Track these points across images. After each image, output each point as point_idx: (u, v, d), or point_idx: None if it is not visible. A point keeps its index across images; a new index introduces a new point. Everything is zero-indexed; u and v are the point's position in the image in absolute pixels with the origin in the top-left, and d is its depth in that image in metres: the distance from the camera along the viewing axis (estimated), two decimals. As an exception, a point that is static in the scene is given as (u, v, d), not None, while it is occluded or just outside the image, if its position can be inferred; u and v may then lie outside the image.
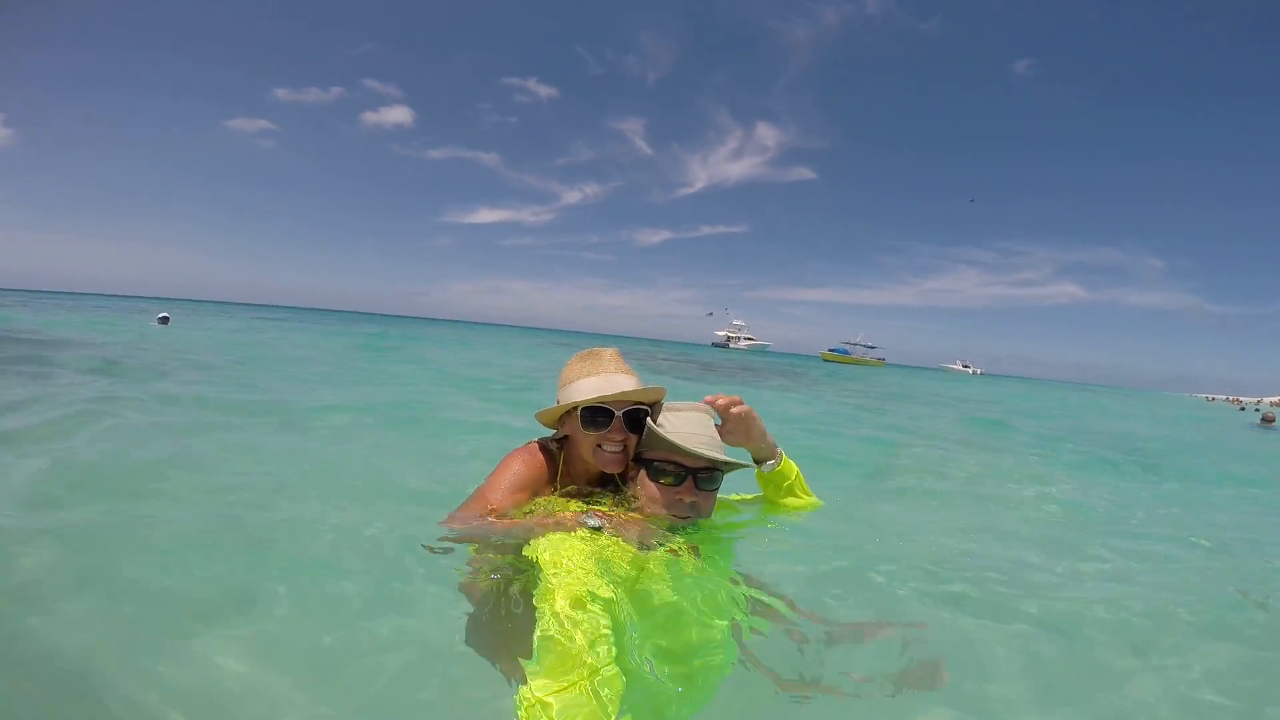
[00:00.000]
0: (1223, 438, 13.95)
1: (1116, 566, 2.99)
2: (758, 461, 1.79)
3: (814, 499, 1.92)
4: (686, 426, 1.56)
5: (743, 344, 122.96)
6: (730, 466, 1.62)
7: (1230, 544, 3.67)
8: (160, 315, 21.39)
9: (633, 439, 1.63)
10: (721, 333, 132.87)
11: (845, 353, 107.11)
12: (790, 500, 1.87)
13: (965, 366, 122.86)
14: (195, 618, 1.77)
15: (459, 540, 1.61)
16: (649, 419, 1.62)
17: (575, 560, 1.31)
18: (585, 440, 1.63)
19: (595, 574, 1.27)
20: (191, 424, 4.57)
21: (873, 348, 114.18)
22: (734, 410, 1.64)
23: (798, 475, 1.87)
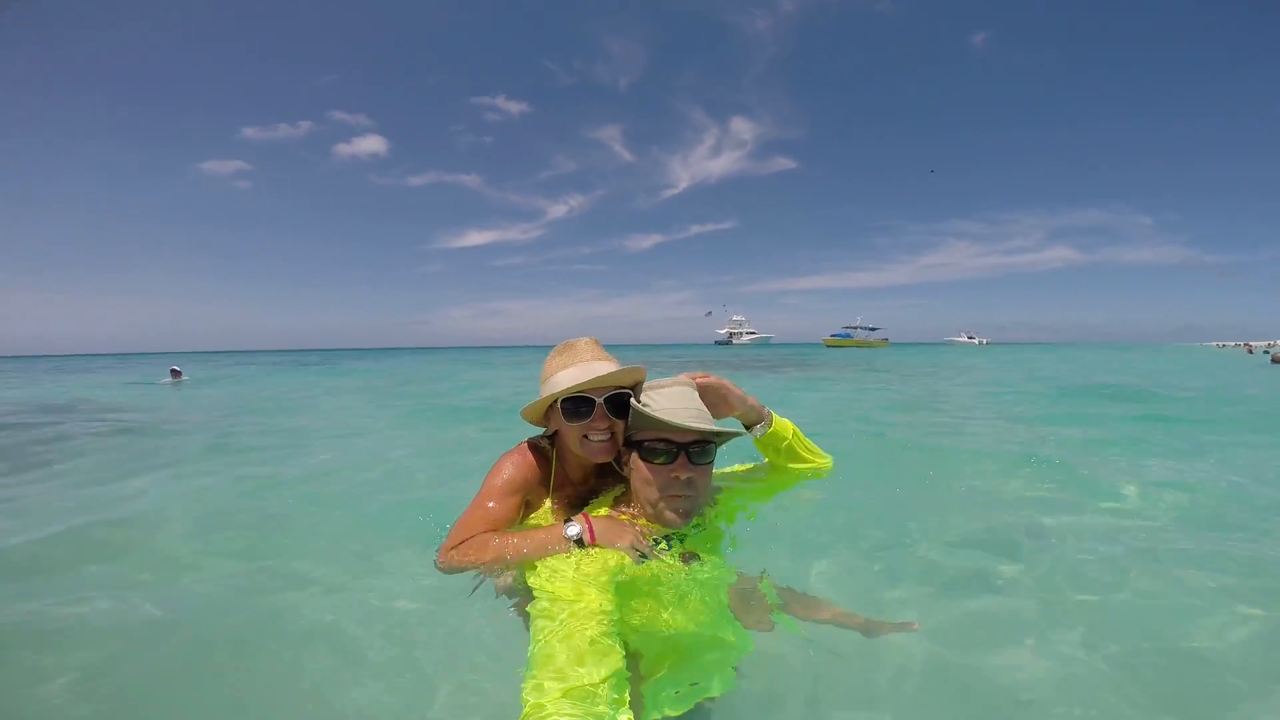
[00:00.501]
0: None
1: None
2: (748, 427, 1.77)
3: (822, 459, 1.88)
4: (670, 402, 1.54)
5: (745, 339, 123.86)
6: (722, 437, 1.57)
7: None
8: (172, 369, 20.77)
9: (619, 424, 1.60)
10: (723, 330, 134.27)
11: (848, 336, 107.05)
12: (796, 465, 1.84)
13: (971, 338, 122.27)
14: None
15: (455, 572, 1.54)
16: (632, 400, 1.58)
17: (569, 593, 1.26)
18: (571, 432, 1.60)
19: (595, 611, 1.21)
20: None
21: (875, 329, 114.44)
22: (701, 381, 1.64)
23: (795, 434, 1.84)
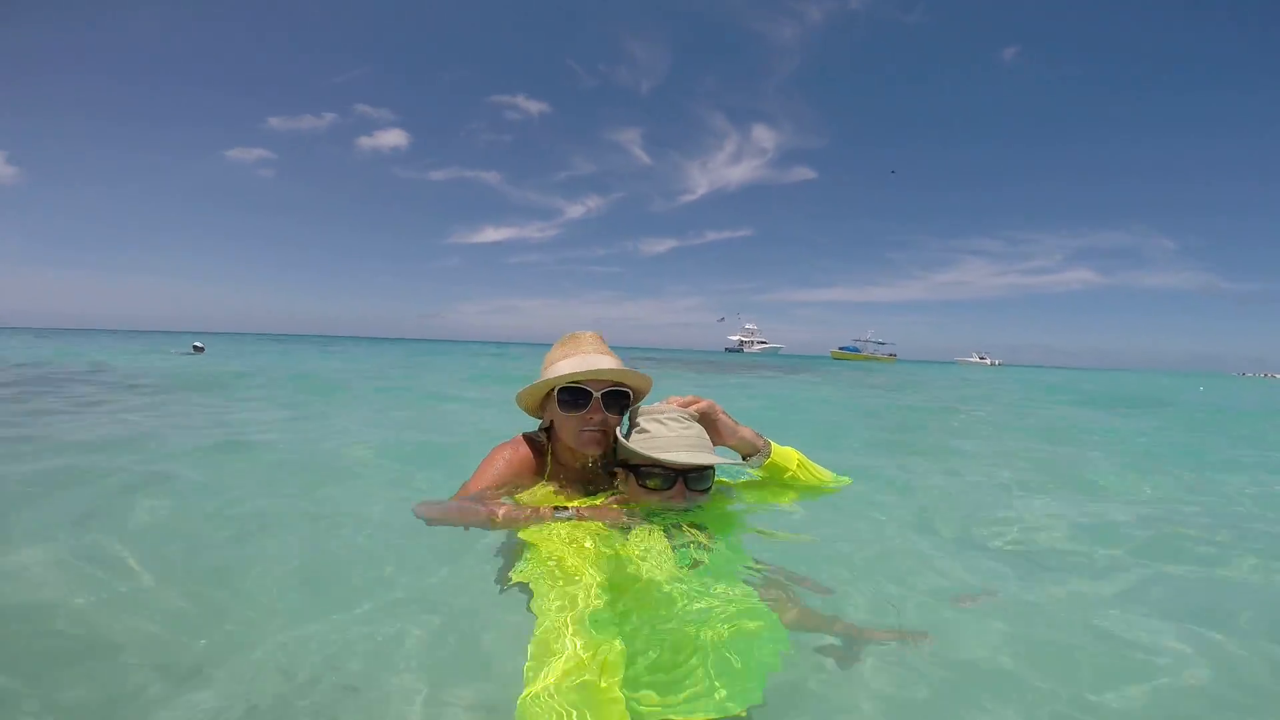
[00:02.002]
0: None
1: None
2: (744, 458, 1.72)
3: (837, 478, 1.83)
4: (668, 430, 1.53)
5: (756, 348, 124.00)
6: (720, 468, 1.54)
7: None
8: (195, 344, 23.17)
9: (613, 419, 1.62)
10: (735, 337, 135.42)
11: (856, 350, 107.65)
12: (812, 482, 1.79)
13: (982, 358, 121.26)
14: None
15: (433, 523, 1.55)
16: (622, 440, 1.57)
17: (570, 563, 1.28)
18: (566, 423, 1.62)
19: (594, 581, 1.22)
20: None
21: (883, 344, 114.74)
22: (692, 409, 1.61)
23: (801, 464, 1.76)
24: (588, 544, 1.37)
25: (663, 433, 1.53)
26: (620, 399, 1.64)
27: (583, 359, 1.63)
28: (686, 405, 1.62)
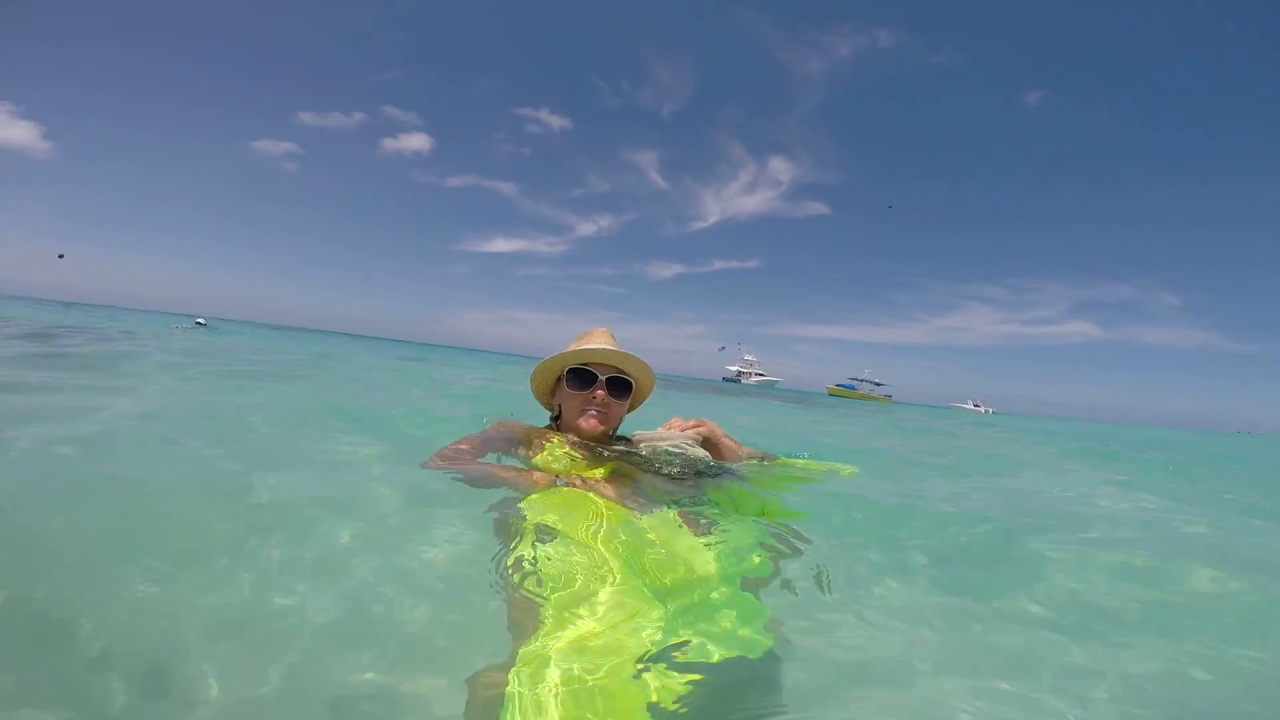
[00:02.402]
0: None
1: None
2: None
3: (843, 466, 1.86)
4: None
5: (753, 380, 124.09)
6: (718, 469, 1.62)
7: None
8: (198, 320, 29.47)
9: (614, 404, 1.72)
10: (733, 368, 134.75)
11: (852, 388, 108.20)
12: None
13: (976, 406, 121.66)
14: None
15: (442, 469, 1.58)
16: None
17: (580, 525, 1.24)
18: (571, 402, 1.73)
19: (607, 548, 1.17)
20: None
21: (880, 384, 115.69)
22: (693, 432, 1.66)
23: (805, 464, 1.81)
24: (603, 511, 1.33)
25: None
26: (623, 386, 1.75)
27: (593, 345, 1.76)
28: (689, 428, 1.69)
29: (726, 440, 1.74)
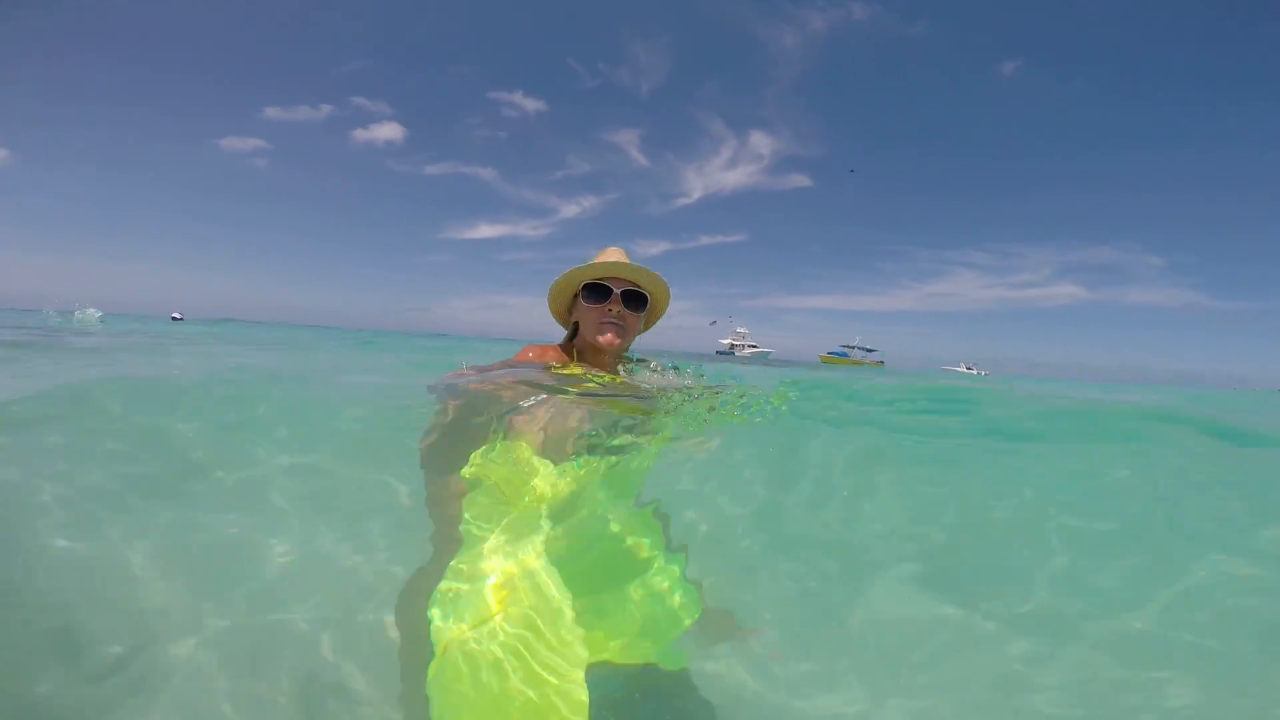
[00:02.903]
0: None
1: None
2: None
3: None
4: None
5: (746, 351, 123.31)
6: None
7: None
8: (173, 315, 27.48)
9: (630, 315, 1.76)
10: (726, 341, 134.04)
11: (844, 355, 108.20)
12: None
13: (970, 369, 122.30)
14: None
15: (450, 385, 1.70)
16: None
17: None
18: (588, 315, 1.77)
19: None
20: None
21: (871, 350, 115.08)
22: None
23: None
24: (539, 471, 1.38)
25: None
26: (638, 299, 1.79)
27: (608, 261, 1.79)
28: None
29: None
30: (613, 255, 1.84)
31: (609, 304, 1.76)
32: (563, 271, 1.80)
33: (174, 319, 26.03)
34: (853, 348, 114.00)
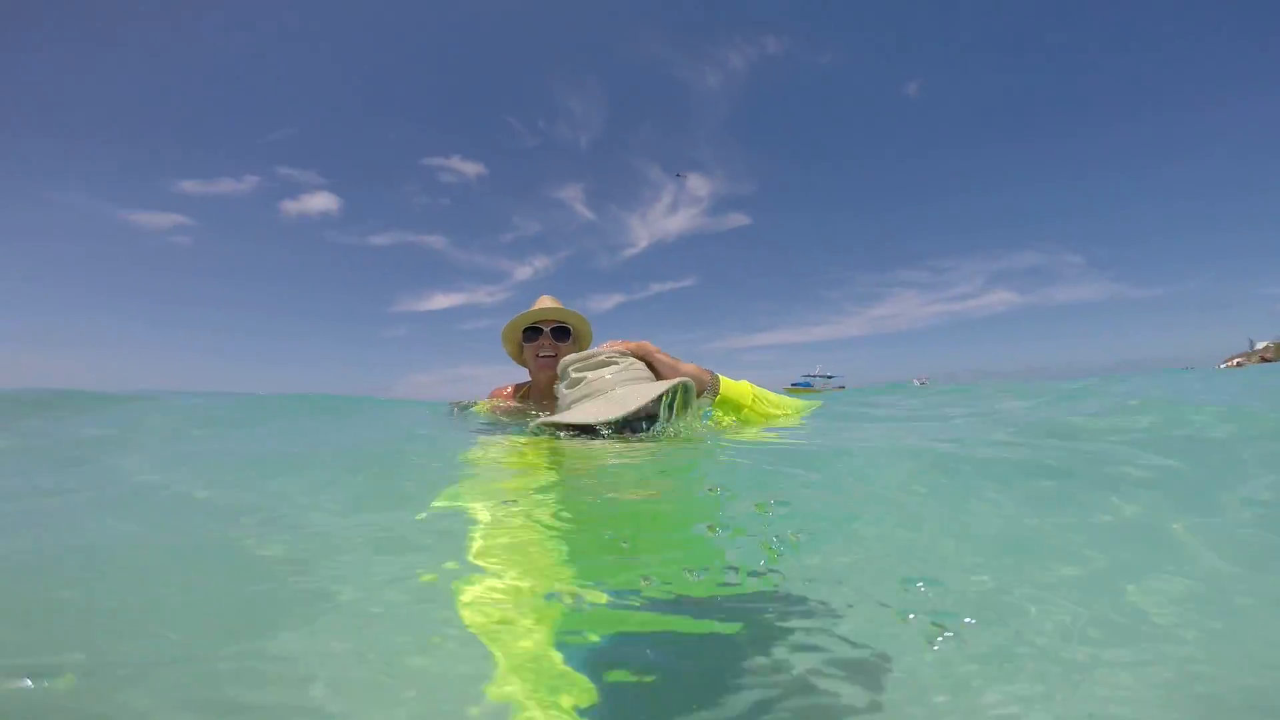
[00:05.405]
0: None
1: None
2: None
3: (801, 402, 1.87)
4: (594, 388, 1.57)
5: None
6: (670, 402, 1.53)
7: None
8: None
9: (561, 347, 2.54)
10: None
11: (807, 384, 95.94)
12: (770, 415, 1.75)
13: (922, 382, 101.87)
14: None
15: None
16: (564, 365, 1.79)
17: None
18: (528, 351, 2.58)
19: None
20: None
21: (831, 377, 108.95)
22: (625, 348, 1.69)
23: (757, 397, 1.73)
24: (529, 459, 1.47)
25: (599, 377, 1.58)
26: (563, 333, 2.56)
27: (537, 308, 2.54)
28: (623, 347, 1.68)
29: (661, 355, 1.70)
30: (544, 302, 2.59)
31: (541, 340, 2.53)
32: (509, 319, 2.53)
33: None
34: (814, 376, 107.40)
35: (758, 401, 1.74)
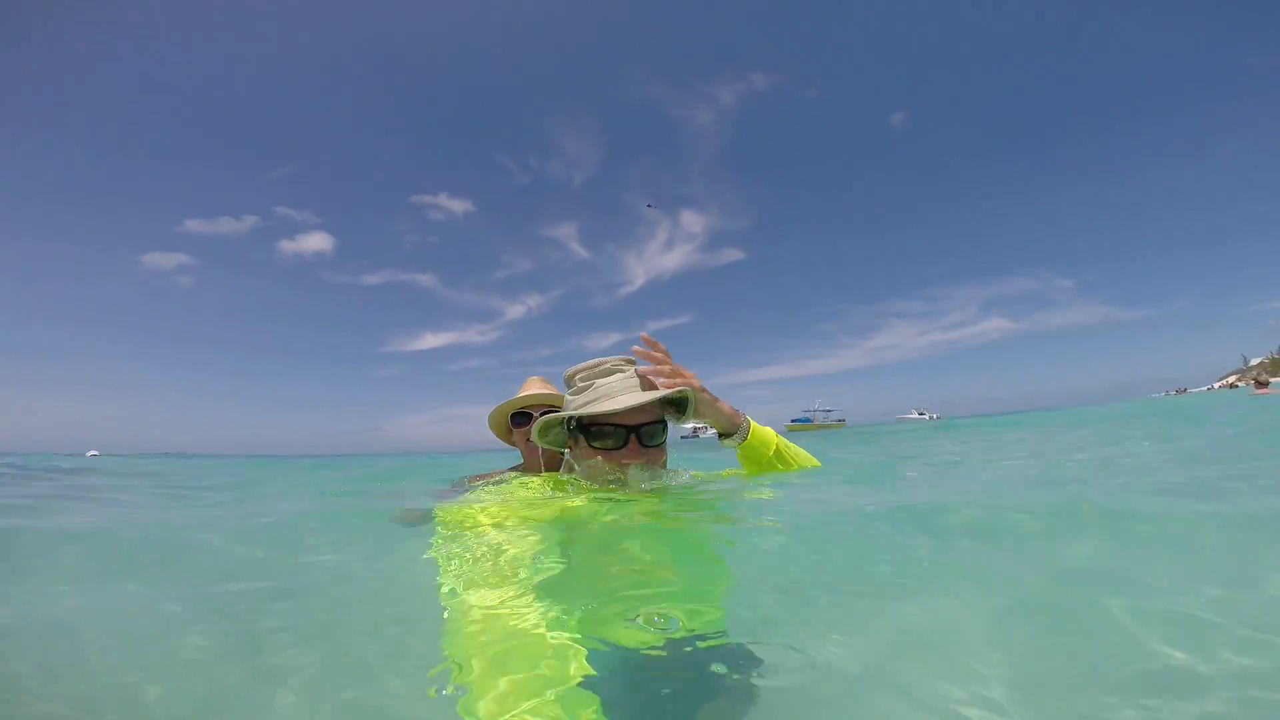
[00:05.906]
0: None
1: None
2: (722, 436, 1.72)
3: (809, 461, 1.81)
4: (612, 381, 1.56)
5: (710, 432, 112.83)
6: (681, 407, 1.61)
7: None
8: (90, 452, 25.83)
9: None
10: (689, 425, 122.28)
11: (807, 420, 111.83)
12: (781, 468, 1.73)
13: (922, 414, 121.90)
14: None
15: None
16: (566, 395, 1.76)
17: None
18: (518, 434, 2.44)
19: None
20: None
21: (830, 411, 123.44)
22: (671, 385, 1.56)
23: (780, 448, 1.71)
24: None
25: (608, 383, 1.55)
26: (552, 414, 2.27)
27: (524, 394, 2.44)
28: (667, 382, 1.56)
29: (705, 394, 1.62)
30: (533, 386, 2.47)
31: (527, 426, 2.36)
32: (496, 405, 2.43)
33: (90, 456, 24.01)
34: (814, 411, 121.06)
35: (779, 455, 1.67)
